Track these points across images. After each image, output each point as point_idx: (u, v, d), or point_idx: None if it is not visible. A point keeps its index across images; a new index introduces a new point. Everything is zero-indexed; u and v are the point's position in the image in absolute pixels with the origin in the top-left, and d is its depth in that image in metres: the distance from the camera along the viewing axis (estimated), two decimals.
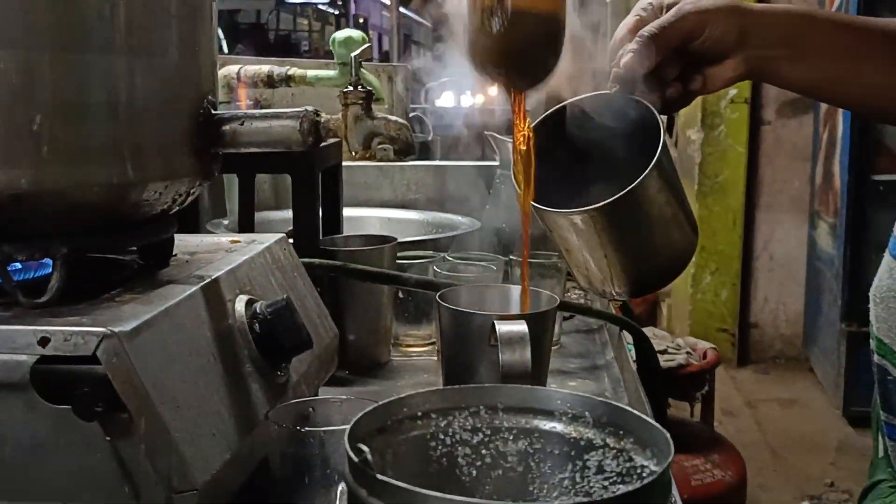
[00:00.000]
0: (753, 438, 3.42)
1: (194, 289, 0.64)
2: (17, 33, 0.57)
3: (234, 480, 0.62)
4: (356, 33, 1.37)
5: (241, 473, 0.62)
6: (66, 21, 0.59)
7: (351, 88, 0.70)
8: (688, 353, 1.99)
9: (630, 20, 0.84)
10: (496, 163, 1.63)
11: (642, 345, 1.18)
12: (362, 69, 1.28)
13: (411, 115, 1.97)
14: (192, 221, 1.03)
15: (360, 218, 1.58)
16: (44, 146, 0.58)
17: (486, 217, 1.58)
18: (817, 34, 0.89)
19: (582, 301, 1.40)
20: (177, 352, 0.59)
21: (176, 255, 0.77)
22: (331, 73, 1.40)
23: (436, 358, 1.14)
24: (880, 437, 0.83)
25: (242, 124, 0.70)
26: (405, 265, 1.13)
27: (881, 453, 0.83)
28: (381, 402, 0.44)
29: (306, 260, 0.93)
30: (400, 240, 1.18)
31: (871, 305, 0.79)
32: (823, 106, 3.90)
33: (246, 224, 1.09)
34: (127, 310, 0.58)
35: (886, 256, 0.79)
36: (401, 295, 1.15)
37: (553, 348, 1.20)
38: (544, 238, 1.53)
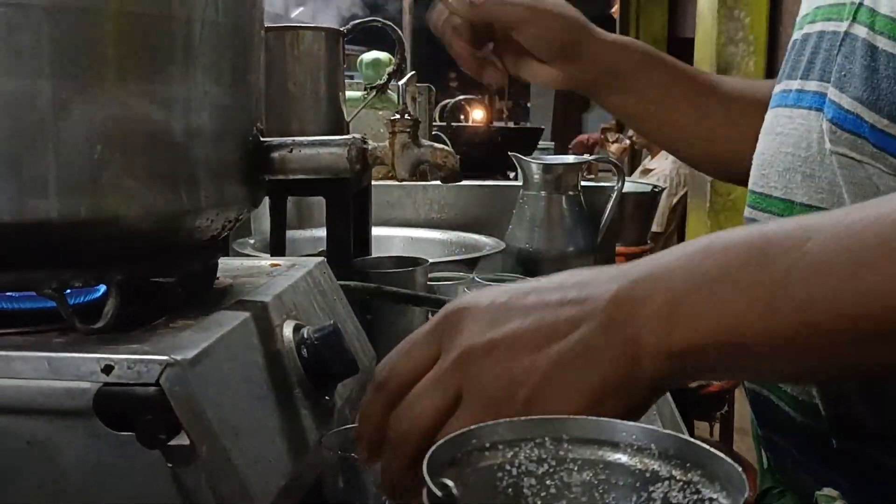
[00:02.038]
0: None
1: (246, 315, 0.65)
2: (80, 65, 0.58)
3: None
4: (384, 55, 1.38)
5: (294, 499, 0.63)
6: (127, 53, 0.60)
7: (398, 116, 0.71)
8: None
9: None
10: (519, 183, 1.65)
11: None
12: (389, 90, 1.29)
13: (433, 132, 1.98)
14: (222, 242, 1.04)
15: (384, 237, 1.59)
16: (103, 175, 0.59)
17: (510, 236, 1.59)
18: (643, 70, 0.94)
19: None
20: (233, 378, 0.60)
21: (218, 277, 0.78)
22: (357, 94, 1.41)
23: None
24: (762, 450, 0.85)
25: (291, 151, 0.71)
26: (435, 287, 1.14)
27: (765, 464, 0.86)
28: (452, 435, 0.44)
29: (344, 283, 0.93)
30: (430, 261, 1.19)
31: None
32: None
33: (278, 246, 1.10)
34: (185, 337, 0.59)
35: None
36: (430, 315, 1.15)
37: None
38: (566, 263, 1.53)
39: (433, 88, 1.71)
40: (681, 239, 5.00)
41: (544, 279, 0.55)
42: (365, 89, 1.40)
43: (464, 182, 2.04)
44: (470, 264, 1.41)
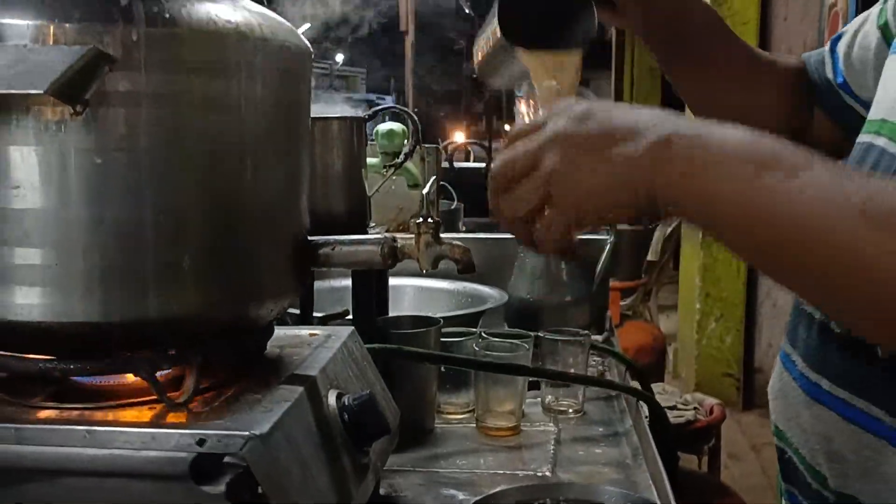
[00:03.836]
0: (758, 482, 3.54)
1: (301, 390, 0.79)
2: (173, 196, 0.72)
3: None
4: (398, 127, 1.53)
5: None
6: (209, 180, 0.74)
7: (422, 220, 0.85)
8: (695, 408, 2.13)
9: None
10: None
11: (656, 412, 1.33)
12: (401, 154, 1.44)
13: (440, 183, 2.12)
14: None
15: (397, 287, 1.73)
16: (191, 281, 0.74)
17: (512, 287, 1.73)
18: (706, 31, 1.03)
19: (601, 368, 1.55)
20: (295, 444, 0.74)
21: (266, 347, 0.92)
22: (374, 160, 1.56)
23: (474, 425, 1.28)
24: (783, 501, 0.96)
25: (334, 249, 0.86)
26: (448, 343, 1.28)
27: None
28: (478, 499, 0.58)
29: (370, 346, 1.07)
30: (440, 314, 1.34)
31: (769, 398, 0.93)
32: None
33: (307, 314, 1.23)
34: (258, 412, 0.73)
35: (777, 361, 0.93)
36: (443, 368, 1.29)
37: (577, 415, 1.34)
38: (565, 311, 1.67)
39: (440, 148, 1.86)
40: (676, 268, 5.14)
41: (622, 107, 0.71)
42: (379, 157, 1.55)
43: (468, 235, 2.19)
44: (477, 314, 1.55)
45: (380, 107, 1.24)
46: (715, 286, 4.42)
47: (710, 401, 2.21)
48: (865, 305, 0.60)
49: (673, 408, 2.08)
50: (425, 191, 0.88)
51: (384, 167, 1.41)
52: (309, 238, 0.87)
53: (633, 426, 1.27)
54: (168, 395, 0.75)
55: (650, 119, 0.67)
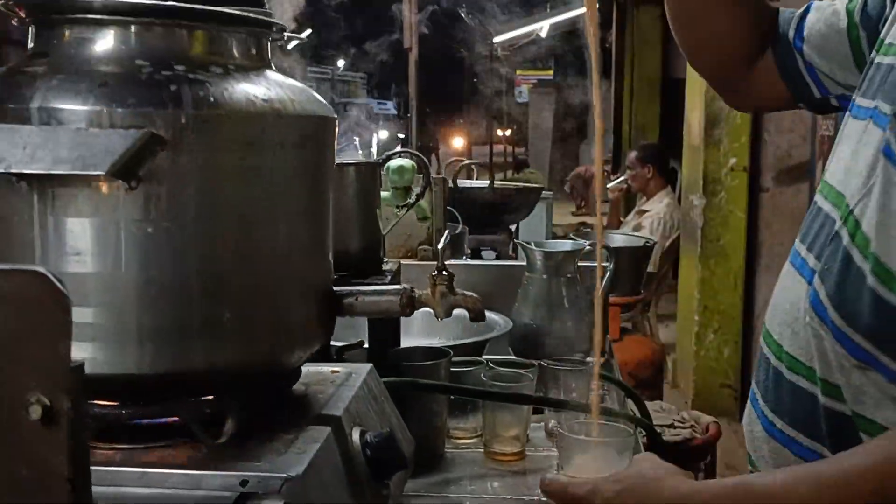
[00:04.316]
0: None
1: (329, 430, 0.87)
2: (211, 253, 0.81)
3: None
4: (407, 163, 1.61)
5: None
6: (245, 242, 0.83)
7: (437, 273, 0.93)
8: (692, 426, 2.21)
9: None
10: (524, 263, 1.87)
11: (654, 438, 1.41)
12: (413, 192, 1.52)
13: (447, 207, 2.20)
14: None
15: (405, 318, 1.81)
16: (230, 333, 0.82)
17: (516, 313, 1.81)
18: None
19: (601, 392, 1.62)
20: (325, 480, 0.82)
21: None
22: (385, 194, 1.63)
23: (482, 449, 1.36)
24: None
25: (357, 299, 0.94)
26: (457, 372, 1.36)
27: None
28: None
29: (387, 380, 1.15)
30: (448, 342, 1.42)
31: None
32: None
33: (326, 347, 1.31)
34: (293, 453, 0.81)
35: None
36: (452, 395, 1.37)
37: None
38: (566, 336, 1.75)
39: (447, 180, 1.95)
40: (675, 278, 5.22)
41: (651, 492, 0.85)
42: (390, 191, 1.63)
43: (475, 261, 2.27)
44: (483, 341, 1.63)
45: (393, 151, 1.32)
46: (713, 299, 4.50)
47: (707, 419, 2.29)
48: None
49: (670, 425, 2.16)
50: (440, 246, 0.96)
51: (397, 207, 1.49)
52: (334, 289, 0.95)
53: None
54: (209, 436, 0.83)
55: None
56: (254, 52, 0.88)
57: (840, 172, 0.91)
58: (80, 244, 0.78)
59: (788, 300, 0.93)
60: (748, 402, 1.00)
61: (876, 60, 0.94)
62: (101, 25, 0.81)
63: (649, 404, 2.56)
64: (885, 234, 0.79)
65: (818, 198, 0.95)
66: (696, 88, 4.53)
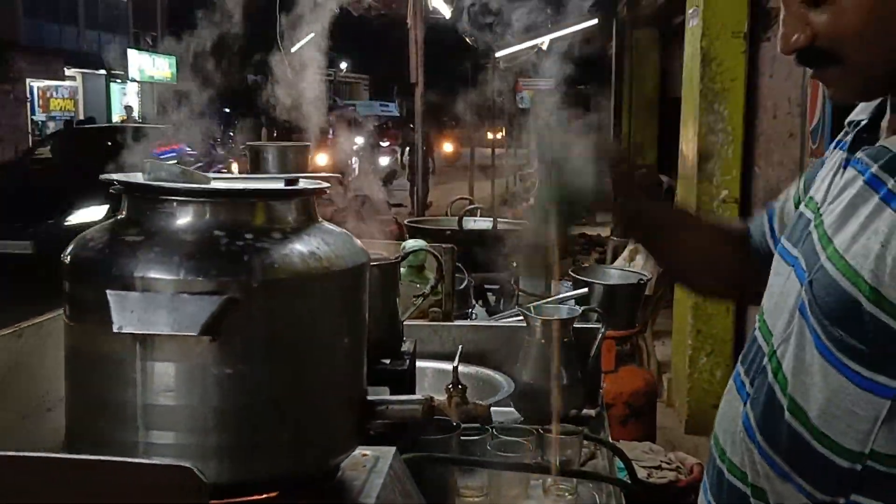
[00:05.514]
0: None
1: None
2: (274, 385, 1.01)
3: None
4: (420, 244, 1.81)
5: None
6: (301, 374, 1.03)
7: (452, 386, 1.14)
8: (678, 467, 2.42)
9: None
10: (524, 324, 2.08)
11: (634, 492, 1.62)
12: (425, 271, 1.73)
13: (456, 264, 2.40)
14: None
15: (419, 369, 2.01)
16: (287, 447, 1.03)
17: (517, 371, 2.02)
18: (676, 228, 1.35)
19: (593, 449, 1.83)
20: None
21: None
22: (401, 270, 1.84)
23: None
24: None
25: (387, 408, 1.14)
26: (465, 441, 1.57)
27: None
28: None
29: (406, 456, 1.35)
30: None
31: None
32: None
33: None
34: None
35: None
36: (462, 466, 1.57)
37: (571, 496, 1.63)
38: (562, 393, 1.95)
39: (455, 249, 2.15)
40: (672, 293, 5.42)
41: None
42: (405, 268, 1.83)
43: (480, 322, 2.48)
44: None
45: (411, 249, 1.53)
46: (706, 324, 4.71)
47: (691, 460, 2.49)
48: None
49: (658, 467, 2.37)
50: (455, 364, 1.17)
51: (414, 297, 1.69)
52: (368, 399, 1.15)
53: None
54: None
55: None
56: (304, 214, 1.08)
57: (771, 306, 1.12)
58: (169, 382, 0.99)
59: (730, 414, 1.14)
60: (700, 491, 1.20)
61: (800, 209, 1.15)
62: (184, 204, 1.02)
63: (639, 446, 2.78)
64: (799, 380, 0.99)
65: (757, 324, 1.15)
66: (689, 122, 4.74)
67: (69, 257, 1.05)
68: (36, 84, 26.32)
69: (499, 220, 3.66)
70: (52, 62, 26.24)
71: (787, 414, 1.00)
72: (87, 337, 1.03)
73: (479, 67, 13.27)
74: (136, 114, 25.04)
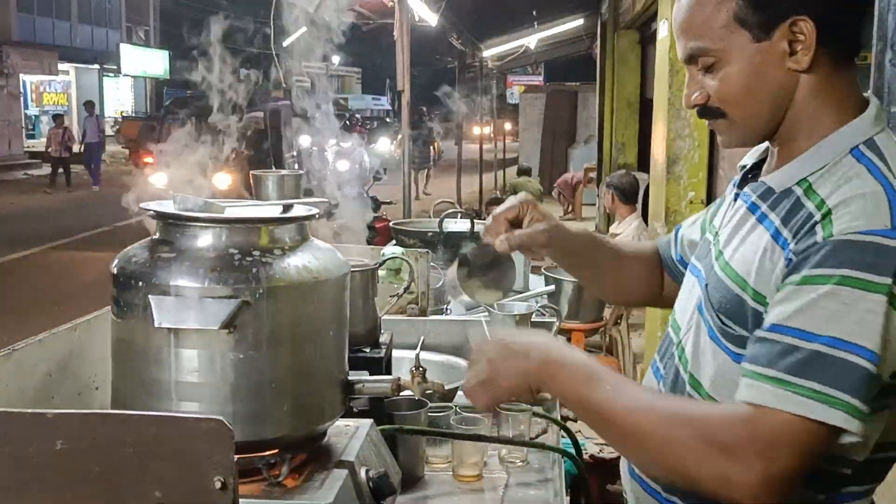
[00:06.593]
0: None
1: (346, 472, 1.39)
2: (277, 366, 1.32)
3: None
4: (399, 249, 2.10)
5: None
6: (299, 357, 1.34)
7: (415, 369, 1.45)
8: None
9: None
10: (489, 318, 2.39)
11: (576, 460, 1.93)
12: (401, 273, 2.04)
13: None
14: None
15: (398, 359, 2.32)
16: (288, 415, 1.34)
17: None
18: (590, 250, 1.67)
19: (545, 426, 2.14)
20: None
21: None
22: (381, 273, 2.14)
23: (451, 473, 1.87)
24: None
25: (364, 386, 1.46)
26: (433, 417, 1.88)
27: None
28: None
29: (381, 428, 1.66)
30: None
31: None
32: None
33: None
34: (326, 488, 1.32)
35: None
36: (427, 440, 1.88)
37: (523, 464, 1.94)
38: None
39: (430, 253, 2.46)
40: None
41: (518, 338, 1.36)
42: (384, 270, 2.15)
43: (452, 317, 2.79)
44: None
45: (387, 257, 1.84)
46: None
47: None
48: (645, 460, 1.22)
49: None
50: (416, 351, 1.48)
51: (390, 296, 2.00)
52: (349, 378, 1.46)
53: (557, 474, 1.87)
54: (273, 476, 1.35)
55: (536, 346, 1.28)
56: (299, 235, 1.39)
57: (680, 308, 1.43)
58: (195, 364, 1.30)
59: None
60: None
61: (706, 235, 1.46)
62: (205, 228, 1.33)
63: None
64: (696, 360, 1.32)
65: (670, 323, 1.46)
66: (659, 127, 5.05)
67: (116, 269, 1.35)
68: (29, 79, 26.53)
69: (476, 222, 3.96)
70: (45, 57, 26.46)
71: (687, 386, 1.32)
72: (131, 331, 1.33)
73: (467, 67, 13.57)
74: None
